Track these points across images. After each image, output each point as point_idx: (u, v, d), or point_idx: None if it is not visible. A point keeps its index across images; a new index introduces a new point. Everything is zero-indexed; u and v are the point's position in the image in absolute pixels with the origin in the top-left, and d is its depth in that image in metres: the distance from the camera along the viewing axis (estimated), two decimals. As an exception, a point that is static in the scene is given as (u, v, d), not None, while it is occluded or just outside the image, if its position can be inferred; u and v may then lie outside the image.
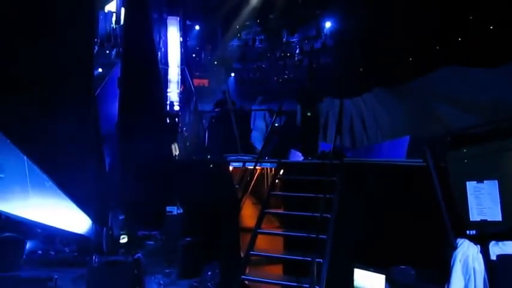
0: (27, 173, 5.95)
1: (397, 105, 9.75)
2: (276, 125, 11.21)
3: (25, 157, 5.75)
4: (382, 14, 12.82)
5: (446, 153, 4.59)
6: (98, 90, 9.65)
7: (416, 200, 4.98)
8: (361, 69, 13.79)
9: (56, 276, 5.58)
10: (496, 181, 4.34)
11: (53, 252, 7.20)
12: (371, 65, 13.16)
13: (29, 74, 5.74)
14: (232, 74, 19.03)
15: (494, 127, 4.64)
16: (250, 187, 8.58)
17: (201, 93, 16.51)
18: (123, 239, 6.05)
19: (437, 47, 11.63)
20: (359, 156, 9.03)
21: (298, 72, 16.89)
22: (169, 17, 15.46)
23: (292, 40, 17.24)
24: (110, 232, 5.99)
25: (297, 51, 17.16)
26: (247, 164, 7.80)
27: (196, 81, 18.01)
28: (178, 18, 15.34)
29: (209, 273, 6.64)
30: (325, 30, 16.49)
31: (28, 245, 6.94)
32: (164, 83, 16.11)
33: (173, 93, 15.90)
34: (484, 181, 4.39)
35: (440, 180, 4.69)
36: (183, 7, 15.76)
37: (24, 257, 6.64)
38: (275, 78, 17.63)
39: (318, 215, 5.30)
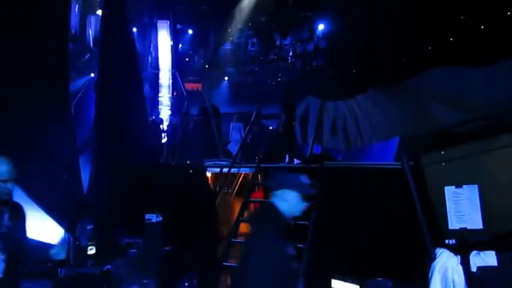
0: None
1: (391, 105, 9.52)
2: (271, 128, 11.01)
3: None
4: (373, 15, 12.64)
5: (422, 156, 4.25)
6: (79, 95, 9.48)
7: (393, 207, 4.67)
8: (354, 71, 13.56)
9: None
10: (476, 186, 3.98)
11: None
12: (364, 66, 12.92)
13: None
14: (226, 78, 18.90)
15: (474, 126, 4.31)
16: (235, 191, 8.32)
17: (195, 98, 16.35)
18: (91, 250, 5.76)
19: (430, 48, 11.40)
20: (349, 159, 8.85)
21: (291, 75, 16.68)
22: (159, 21, 15.39)
23: (285, 43, 17.07)
24: (77, 243, 5.72)
25: (290, 53, 16.97)
26: (225, 169, 7.51)
27: (190, 86, 17.86)
28: (168, 22, 15.26)
29: (186, 284, 6.38)
30: (317, 32, 16.32)
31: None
32: (155, 87, 15.96)
33: (164, 97, 15.75)
34: (463, 186, 4.02)
35: (419, 185, 4.37)
36: (173, 11, 15.69)
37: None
38: (268, 81, 17.43)
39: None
